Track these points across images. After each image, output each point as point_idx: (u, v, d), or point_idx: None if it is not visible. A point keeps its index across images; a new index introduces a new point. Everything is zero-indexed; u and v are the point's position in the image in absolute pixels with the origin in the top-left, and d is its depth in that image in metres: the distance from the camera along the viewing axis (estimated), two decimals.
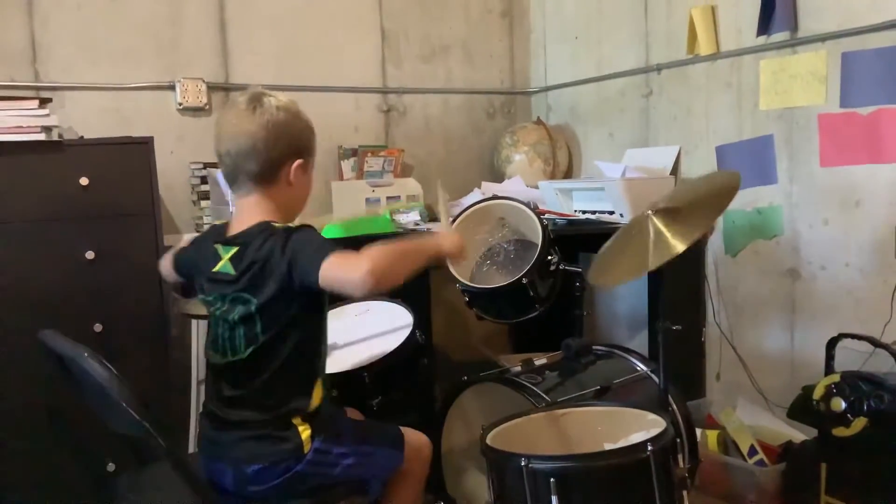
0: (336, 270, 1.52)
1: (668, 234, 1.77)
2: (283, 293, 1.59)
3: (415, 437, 1.88)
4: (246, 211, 1.69)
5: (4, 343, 2.22)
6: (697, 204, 1.88)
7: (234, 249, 1.65)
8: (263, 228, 1.64)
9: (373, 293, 1.69)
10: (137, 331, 2.39)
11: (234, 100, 1.71)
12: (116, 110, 2.89)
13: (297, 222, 1.67)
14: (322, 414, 1.71)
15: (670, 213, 1.83)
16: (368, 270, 1.48)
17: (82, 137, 2.54)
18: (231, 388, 1.67)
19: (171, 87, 2.98)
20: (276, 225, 1.63)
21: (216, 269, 1.67)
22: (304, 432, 1.65)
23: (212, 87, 3.05)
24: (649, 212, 1.83)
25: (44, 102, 2.36)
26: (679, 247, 1.72)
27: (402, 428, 1.88)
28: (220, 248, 1.68)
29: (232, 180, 1.70)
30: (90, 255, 2.34)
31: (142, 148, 2.41)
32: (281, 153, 1.66)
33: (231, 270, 1.64)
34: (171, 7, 2.98)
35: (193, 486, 1.56)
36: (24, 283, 2.27)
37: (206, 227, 2.79)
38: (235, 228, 1.69)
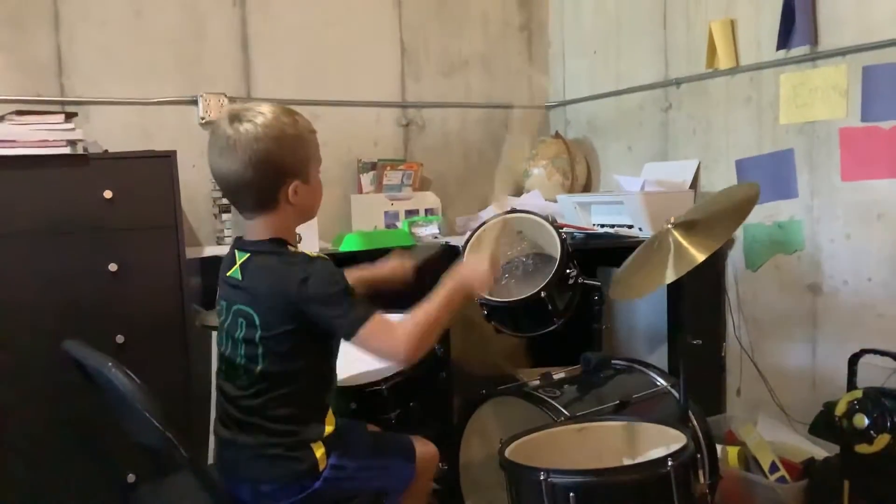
0: (375, 342, 1.57)
1: (687, 246, 1.78)
2: (287, 319, 1.57)
3: (423, 448, 1.88)
4: (257, 228, 1.66)
5: (28, 353, 2.25)
6: (717, 215, 1.88)
7: (246, 255, 1.65)
8: (277, 246, 1.63)
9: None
10: (159, 342, 2.41)
11: (216, 127, 1.61)
12: (140, 125, 2.93)
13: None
14: (337, 431, 1.69)
15: (689, 226, 1.84)
16: (409, 351, 1.56)
17: (107, 151, 2.57)
18: (241, 415, 1.64)
19: (194, 102, 3.01)
20: (291, 248, 1.64)
21: (230, 273, 1.67)
22: (319, 451, 1.63)
23: (234, 102, 3.07)
24: (669, 225, 1.84)
25: (69, 117, 2.40)
26: (699, 256, 1.73)
27: (412, 437, 1.89)
28: (237, 252, 1.68)
29: (235, 206, 1.71)
30: (113, 267, 2.37)
31: (165, 161, 2.43)
32: (272, 183, 1.59)
33: (239, 276, 1.64)
34: (195, 23, 3.02)
35: (214, 496, 1.57)
36: (48, 295, 2.29)
37: (227, 240, 2.82)
38: (250, 237, 1.68)
